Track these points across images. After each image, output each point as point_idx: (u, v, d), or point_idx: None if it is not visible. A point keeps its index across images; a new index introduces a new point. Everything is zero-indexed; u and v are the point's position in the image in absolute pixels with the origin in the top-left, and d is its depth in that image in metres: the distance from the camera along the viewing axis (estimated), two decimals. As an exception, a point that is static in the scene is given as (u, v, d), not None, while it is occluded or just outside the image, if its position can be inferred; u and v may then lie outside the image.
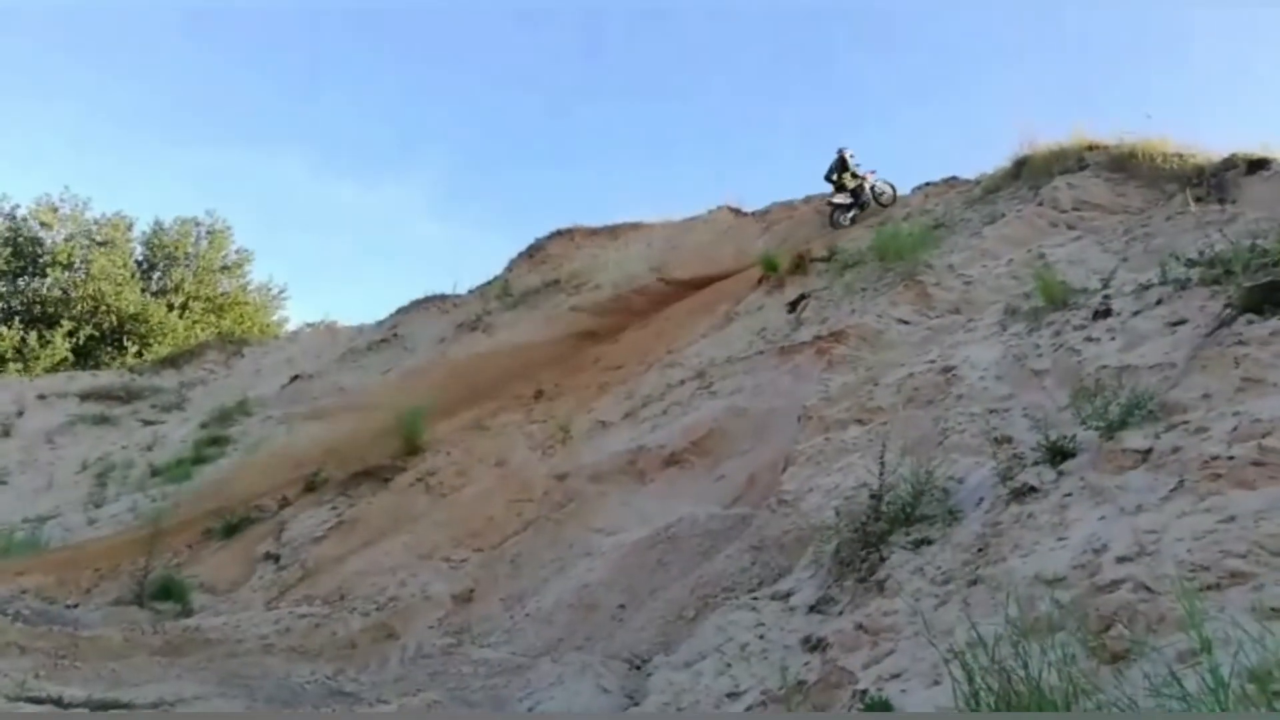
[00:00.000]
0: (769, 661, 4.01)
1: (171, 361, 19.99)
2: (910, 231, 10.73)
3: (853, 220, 14.46)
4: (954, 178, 14.71)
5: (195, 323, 25.11)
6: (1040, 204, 10.19)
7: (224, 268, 26.99)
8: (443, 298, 18.74)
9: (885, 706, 3.00)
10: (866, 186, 14.56)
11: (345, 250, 67.54)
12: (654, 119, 68.60)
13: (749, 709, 3.76)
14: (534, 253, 18.50)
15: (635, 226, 17.96)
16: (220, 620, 6.90)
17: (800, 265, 12.05)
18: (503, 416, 11.22)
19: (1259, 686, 2.00)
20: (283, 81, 63.86)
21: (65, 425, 16.09)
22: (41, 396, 17.37)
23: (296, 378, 17.29)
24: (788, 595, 4.65)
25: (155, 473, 13.19)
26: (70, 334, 22.66)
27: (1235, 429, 3.37)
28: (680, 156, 66.89)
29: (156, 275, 26.08)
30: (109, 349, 23.54)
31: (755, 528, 5.91)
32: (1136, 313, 5.59)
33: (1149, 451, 3.60)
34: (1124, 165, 10.27)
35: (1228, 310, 4.43)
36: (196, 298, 25.75)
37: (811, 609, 4.32)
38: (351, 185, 66.04)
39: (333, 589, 7.73)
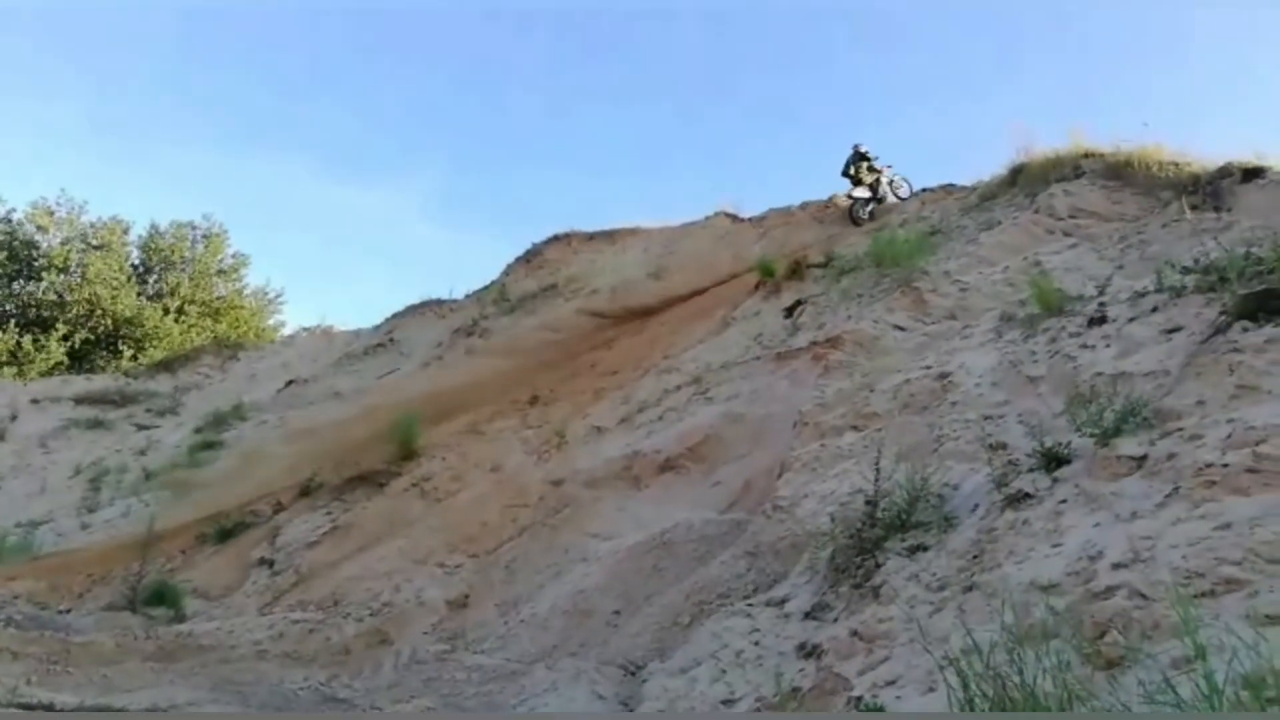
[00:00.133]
0: (764, 668, 4.01)
1: (166, 366, 19.95)
2: (907, 238, 10.75)
3: (871, 215, 14.56)
4: (951, 184, 14.77)
5: (191, 327, 25.06)
6: (1036, 211, 10.22)
7: (220, 271, 26.96)
8: (439, 303, 18.73)
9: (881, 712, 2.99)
10: (884, 181, 14.65)
11: (342, 254, 67.59)
12: (651, 124, 68.72)
13: (744, 715, 3.75)
14: (531, 258, 18.49)
15: (633, 231, 17.97)
16: (214, 626, 6.87)
17: (797, 271, 12.07)
18: (498, 422, 11.21)
19: (1253, 693, 2.00)
20: (280, 84, 63.89)
21: (59, 429, 16.04)
22: (35, 400, 17.33)
23: (292, 382, 17.26)
24: (783, 601, 4.64)
25: (149, 477, 13.15)
26: (65, 338, 22.61)
27: (1230, 436, 3.37)
28: (677, 162, 67.01)
29: (152, 279, 26.04)
30: (104, 353, 23.49)
31: (751, 534, 5.90)
32: (1132, 320, 5.60)
33: (1144, 458, 3.61)
34: (1120, 173, 10.30)
35: (1223, 318, 4.44)
36: (192, 302, 25.71)
37: (807, 615, 4.31)
38: (349, 189, 66.01)
39: (327, 594, 7.71)
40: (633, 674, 5.01)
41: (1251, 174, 8.69)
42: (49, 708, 4.94)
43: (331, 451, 11.64)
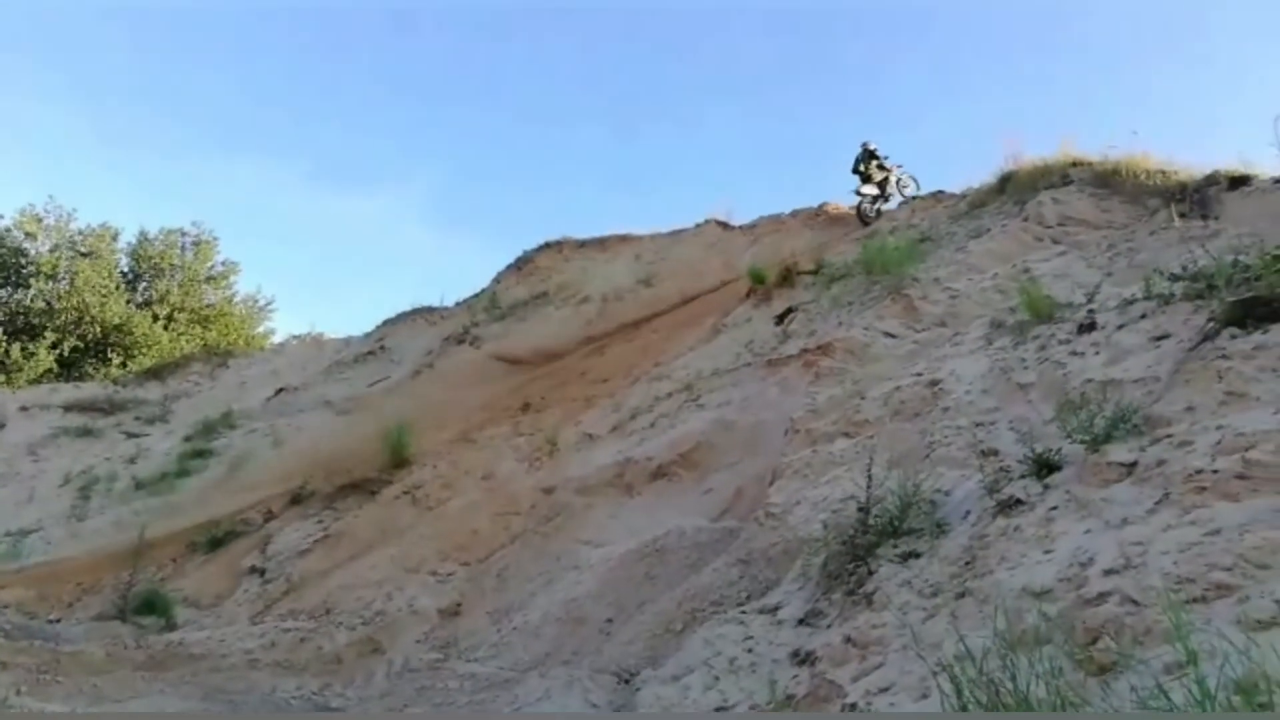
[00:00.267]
0: (757, 675, 4.01)
1: (155, 373, 19.84)
2: (897, 245, 10.79)
3: (878, 213, 14.65)
4: (940, 192, 14.84)
5: (180, 334, 24.95)
6: (1025, 219, 10.27)
7: (209, 279, 26.87)
8: (430, 310, 18.70)
9: None
10: (892, 179, 14.75)
11: (333, 262, 67.39)
12: (642, 132, 68.85)
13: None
14: (522, 265, 18.49)
15: (624, 239, 17.99)
16: (204, 635, 6.84)
17: (787, 278, 12.10)
18: (489, 429, 11.20)
19: (1245, 698, 2.01)
20: (271, 91, 63.80)
21: (48, 438, 15.94)
22: (24, 408, 17.22)
23: (282, 390, 17.20)
24: (776, 608, 4.64)
25: (139, 486, 13.07)
26: (54, 345, 22.48)
27: (1219, 442, 3.40)
28: (668, 170, 67.13)
29: (142, 286, 25.94)
30: (93, 360, 23.36)
31: (743, 540, 5.91)
32: (1121, 327, 5.63)
33: (1134, 465, 3.63)
34: (1108, 181, 10.37)
35: (1211, 325, 4.47)
36: (182, 309, 25.60)
37: (800, 622, 4.31)
38: (339, 196, 65.96)
39: (318, 603, 7.69)
40: (626, 682, 5.01)
41: (1238, 182, 8.76)
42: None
43: (322, 459, 11.61)
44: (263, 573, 8.71)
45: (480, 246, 65.93)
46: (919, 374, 6.86)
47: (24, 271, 24.05)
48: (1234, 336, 4.19)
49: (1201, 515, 3.03)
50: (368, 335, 19.03)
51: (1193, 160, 9.79)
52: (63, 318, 23.26)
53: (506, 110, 68.81)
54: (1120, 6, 53.01)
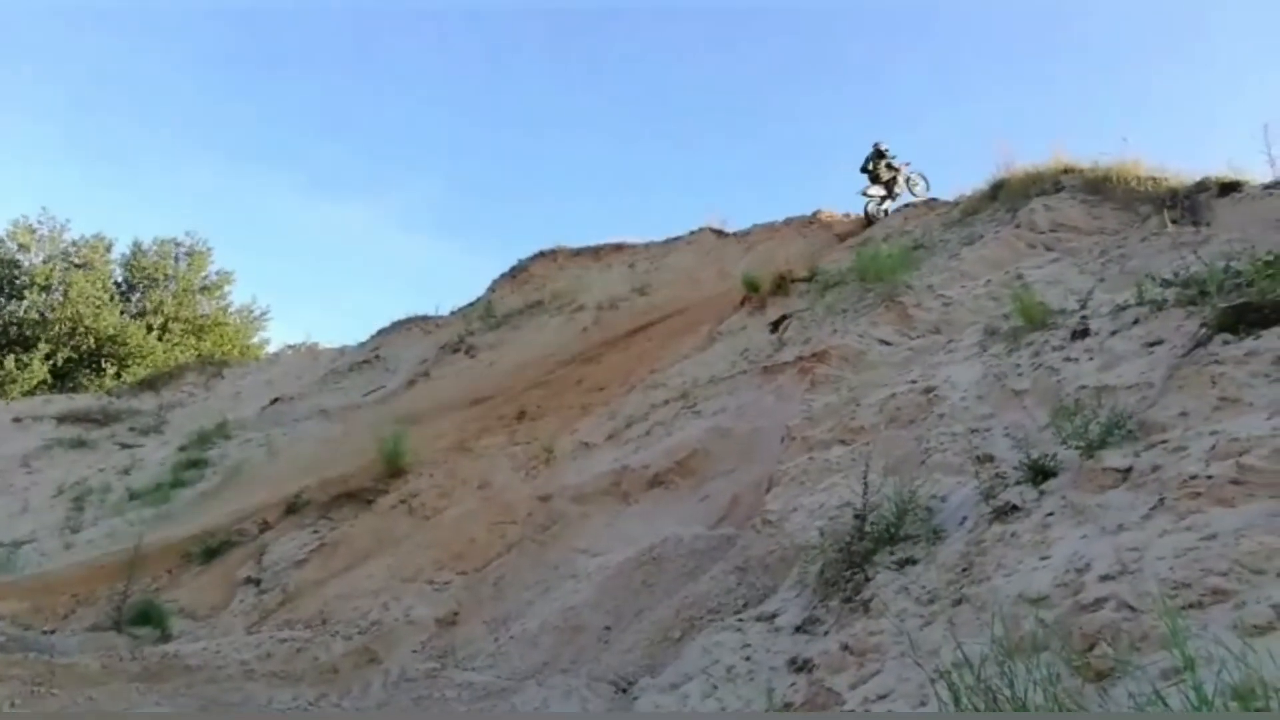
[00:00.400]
0: (755, 683, 4.01)
1: (150, 384, 19.82)
2: (890, 253, 10.83)
3: (886, 213, 14.72)
4: (933, 199, 14.93)
5: (175, 345, 24.93)
6: (1018, 226, 10.32)
7: (203, 288, 26.85)
8: (425, 319, 18.73)
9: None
10: (901, 178, 14.82)
11: (328, 271, 67.43)
12: (637, 141, 68.95)
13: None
14: (517, 273, 18.53)
15: (618, 247, 18.04)
16: (200, 646, 6.81)
17: (782, 286, 12.13)
18: (485, 438, 11.19)
19: (1242, 704, 2.02)
20: (264, 101, 63.82)
21: (41, 449, 15.89)
22: (17, 420, 17.18)
23: (277, 400, 17.18)
24: (773, 616, 4.64)
25: (133, 496, 13.03)
26: (48, 357, 22.43)
27: (1213, 447, 3.41)
28: (662, 179, 67.24)
29: (136, 297, 25.90)
30: (87, 371, 23.33)
31: (740, 548, 5.91)
32: (1114, 333, 5.66)
33: (1129, 470, 3.64)
34: (1099, 188, 10.43)
35: (1203, 330, 4.49)
36: (176, 319, 25.58)
37: (797, 630, 4.32)
38: (334, 205, 65.98)
39: (314, 613, 7.66)
40: (624, 690, 5.00)
41: (1228, 188, 8.82)
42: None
43: (318, 469, 11.59)
44: (258, 583, 8.68)
45: (475, 255, 66.15)
46: (914, 381, 6.88)
47: (17, 283, 24.03)
48: (1227, 342, 4.21)
49: (1197, 521, 3.05)
50: (363, 345, 19.04)
51: (1183, 166, 9.88)
52: (56, 329, 23.22)
53: (500, 119, 68.93)
54: (1119, 8, 53.31)
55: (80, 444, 16.16)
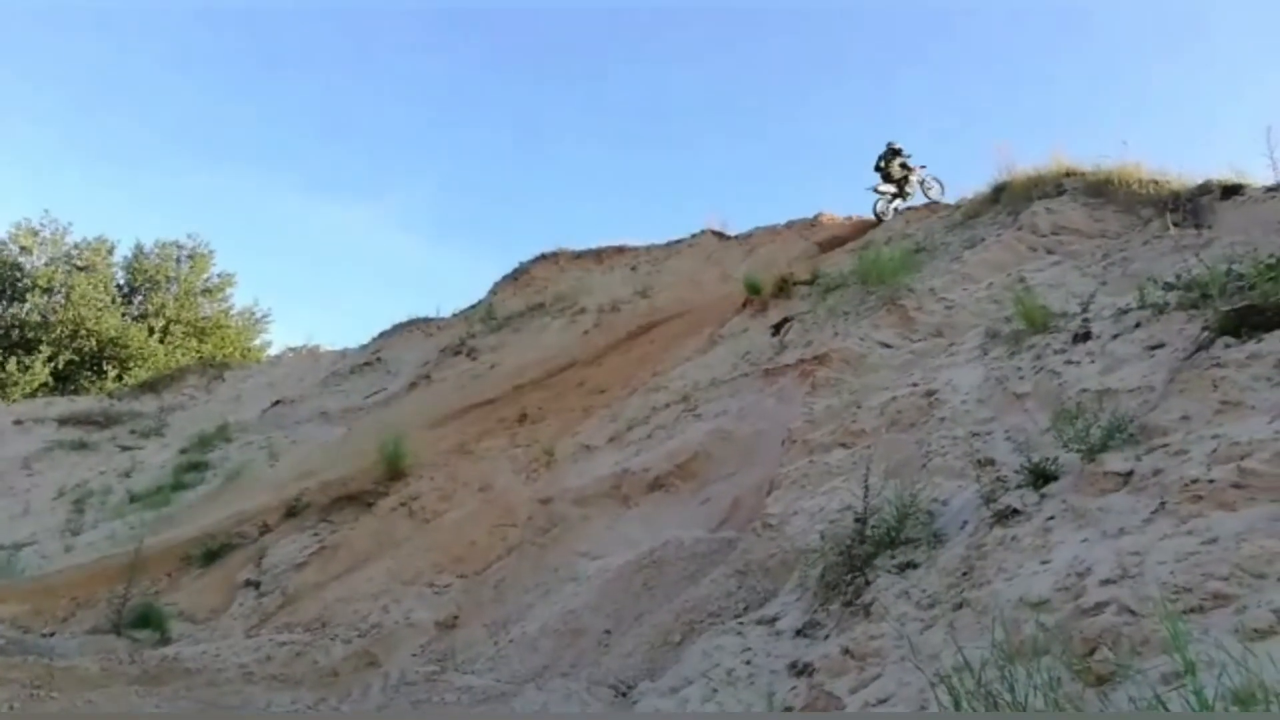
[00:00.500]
0: (755, 687, 4.00)
1: (151, 386, 19.84)
2: (891, 255, 10.82)
3: (895, 210, 14.71)
4: (934, 202, 14.92)
5: (176, 347, 24.94)
6: (1019, 229, 10.30)
7: (205, 291, 26.88)
8: (426, 321, 18.73)
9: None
10: (914, 179, 14.81)
11: (329, 273, 67.50)
12: (638, 144, 68.99)
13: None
14: (518, 276, 18.53)
15: (620, 250, 18.04)
16: (200, 649, 6.80)
17: (783, 288, 12.12)
18: (486, 440, 11.17)
19: (1243, 709, 2.01)
20: (263, 103, 63.90)
21: (42, 451, 15.90)
22: (18, 422, 17.19)
23: (278, 402, 17.19)
24: (774, 620, 4.63)
25: (134, 499, 13.03)
26: (49, 359, 22.45)
27: (1215, 451, 3.40)
28: (663, 181, 67.28)
29: (138, 299, 25.93)
30: (88, 374, 23.34)
31: (740, 551, 5.90)
32: (1115, 336, 5.65)
33: (1130, 474, 3.63)
34: (1101, 190, 10.41)
35: (1205, 334, 4.49)
36: (177, 322, 25.60)
37: (798, 633, 4.30)
38: (333, 207, 66.05)
39: (314, 616, 7.65)
40: (624, 694, 4.99)
41: (1230, 191, 8.79)
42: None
43: (318, 472, 11.58)
44: (258, 586, 8.67)
45: (475, 257, 66.22)
46: (915, 384, 6.87)
47: (19, 285, 24.06)
48: (1228, 345, 4.20)
49: (1198, 525, 3.04)
50: (364, 347, 19.04)
51: (1185, 169, 9.85)
52: (58, 331, 23.25)
53: (500, 121, 69.00)
54: (1120, 9, 53.34)
55: (81, 446, 16.17)
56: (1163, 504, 3.27)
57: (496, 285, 18.66)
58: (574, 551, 7.59)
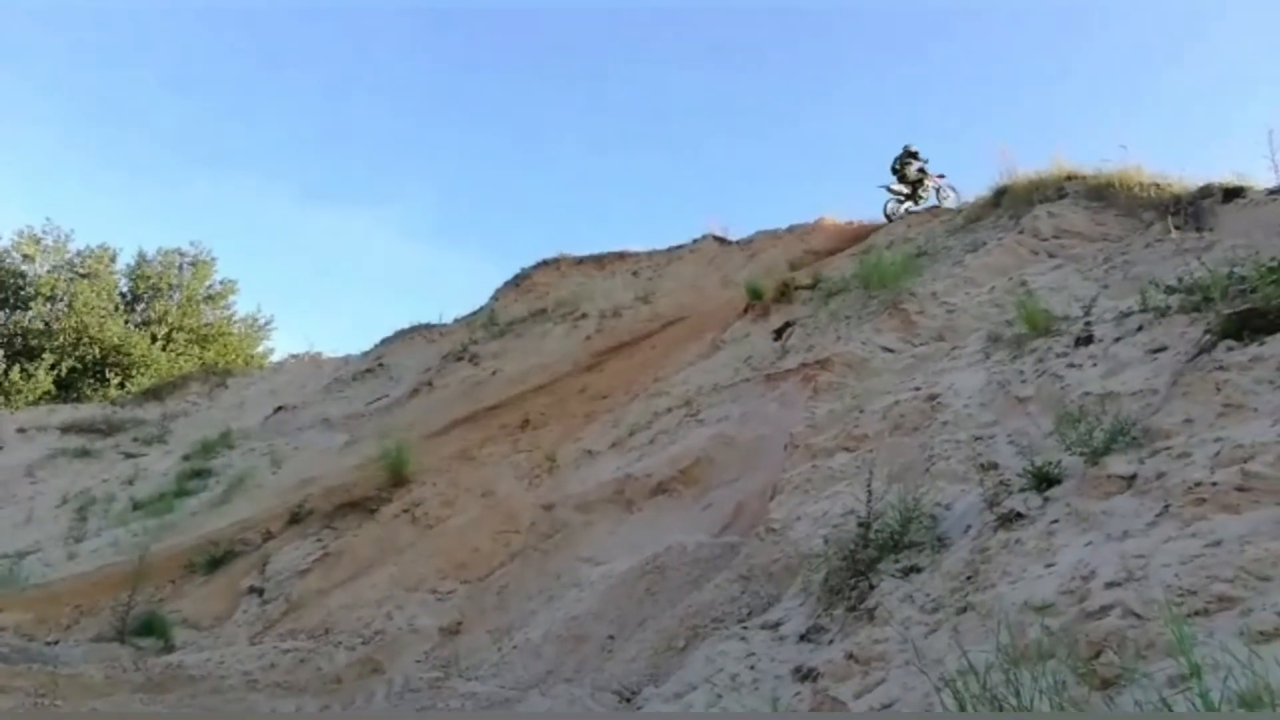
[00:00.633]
0: (760, 692, 3.99)
1: (154, 393, 19.84)
2: (893, 260, 10.82)
3: (907, 212, 14.76)
4: (936, 206, 14.92)
5: (179, 354, 24.96)
6: (1021, 232, 10.29)
7: (207, 298, 26.92)
8: (428, 327, 18.72)
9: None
10: (930, 185, 14.87)
11: (329, 279, 67.53)
12: (638, 148, 69.10)
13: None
14: (520, 282, 18.52)
15: (621, 255, 18.03)
16: (203, 656, 6.81)
17: (785, 293, 12.11)
18: (489, 447, 11.18)
19: (1249, 711, 2.01)
20: (261, 110, 64.03)
21: (45, 459, 15.91)
22: (21, 430, 17.20)
23: (280, 409, 17.19)
24: (777, 624, 4.63)
25: (137, 507, 13.04)
26: (52, 367, 22.47)
27: (1218, 454, 3.40)
28: (664, 186, 67.36)
29: (140, 307, 25.96)
30: (91, 381, 23.36)
31: (744, 556, 5.89)
32: (1118, 339, 5.65)
33: (1134, 477, 3.63)
34: (1102, 194, 10.40)
35: (1208, 337, 4.49)
36: (180, 329, 25.62)
37: (802, 638, 4.30)
38: (337, 214, 66.16)
39: (318, 623, 7.65)
40: (628, 700, 4.99)
41: (1232, 194, 8.78)
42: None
43: (321, 478, 11.60)
44: (261, 593, 8.68)
45: (477, 263, 66.23)
46: (917, 388, 6.87)
47: (23, 293, 24.09)
48: (1231, 348, 4.20)
49: (1202, 527, 3.04)
50: (366, 353, 19.03)
51: (1187, 172, 9.84)
52: (61, 339, 23.28)
53: (500, 127, 69.10)
54: (1120, 13, 53.40)
55: (84, 454, 16.18)
56: (1166, 507, 3.27)
57: (498, 291, 18.66)
58: (577, 557, 7.59)
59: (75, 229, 32.62)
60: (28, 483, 14.91)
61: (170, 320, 25.57)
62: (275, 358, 25.83)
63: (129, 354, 23.75)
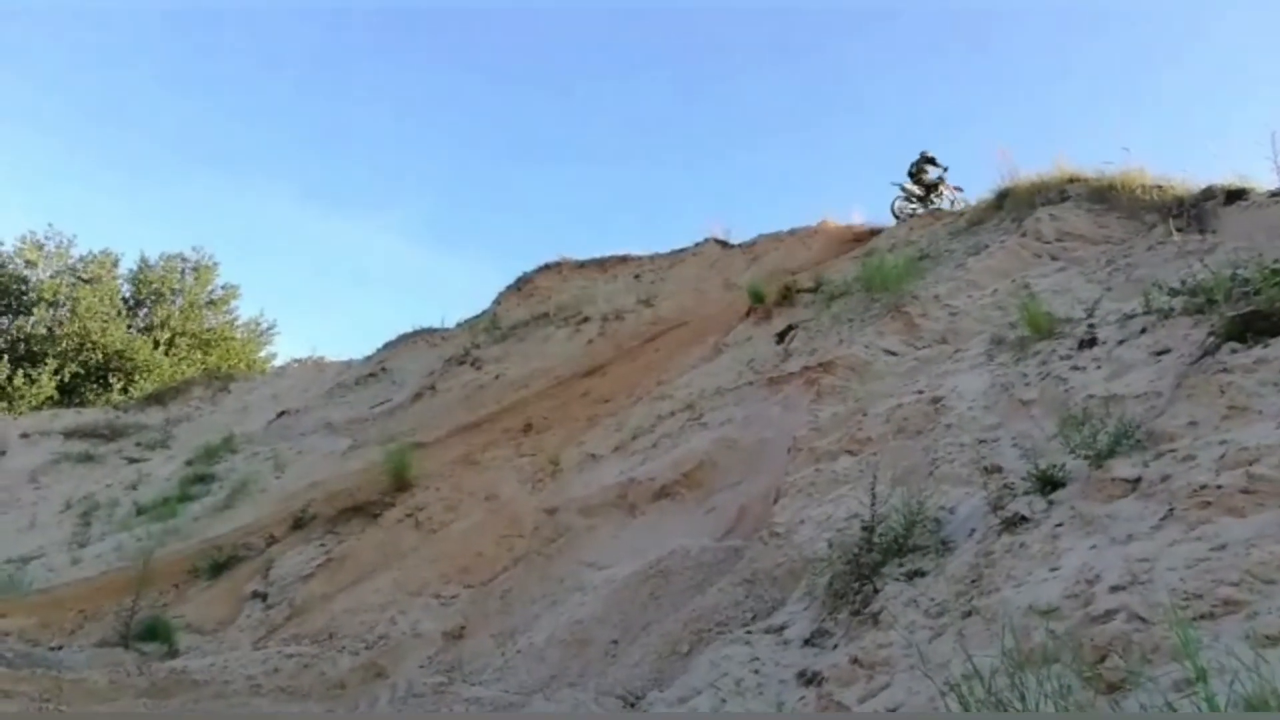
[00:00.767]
0: (764, 697, 3.99)
1: (157, 398, 19.85)
2: (896, 263, 10.82)
3: (912, 214, 14.88)
4: (938, 209, 14.93)
5: (181, 359, 24.97)
6: (1023, 235, 10.30)
7: (210, 303, 26.94)
8: (430, 331, 18.72)
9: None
10: (946, 194, 15.01)
11: (333, 284, 67.54)
12: (640, 154, 69.14)
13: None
14: (522, 285, 18.52)
15: (623, 259, 18.04)
16: (207, 661, 6.81)
17: (787, 296, 12.11)
18: (492, 450, 11.18)
19: (1254, 712, 2.01)
20: (259, 114, 64.10)
21: (49, 464, 15.92)
22: (25, 435, 17.21)
23: (283, 413, 17.19)
24: (781, 629, 4.63)
25: (140, 511, 13.04)
26: (55, 372, 22.49)
27: (1223, 457, 3.40)
28: (665, 190, 67.40)
29: (143, 312, 25.99)
30: (94, 386, 23.37)
31: (747, 560, 5.89)
32: (1121, 342, 5.65)
33: (1138, 480, 3.63)
34: (1104, 196, 10.41)
35: (1211, 339, 4.48)
36: (182, 334, 25.63)
37: (806, 642, 4.30)
38: (339, 218, 66.16)
39: (321, 628, 7.66)
40: (632, 704, 4.99)
41: (1234, 196, 8.78)
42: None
43: (324, 483, 11.60)
44: (265, 598, 8.68)
45: (479, 267, 66.21)
46: (921, 391, 6.87)
47: (25, 299, 24.11)
48: (1234, 350, 4.20)
49: (1207, 530, 3.03)
50: (369, 358, 19.04)
51: (1189, 174, 9.84)
52: (64, 344, 23.29)
53: (502, 130, 69.18)
54: (1122, 15, 53.41)
55: (87, 459, 16.19)
56: (1171, 510, 3.27)
57: (500, 295, 18.66)
58: (580, 561, 7.59)
59: (77, 234, 32.79)
60: (31, 488, 14.92)
61: (173, 325, 25.58)
62: (278, 362, 25.85)
63: (132, 359, 23.76)
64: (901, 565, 4.19)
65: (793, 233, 16.64)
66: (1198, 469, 3.42)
